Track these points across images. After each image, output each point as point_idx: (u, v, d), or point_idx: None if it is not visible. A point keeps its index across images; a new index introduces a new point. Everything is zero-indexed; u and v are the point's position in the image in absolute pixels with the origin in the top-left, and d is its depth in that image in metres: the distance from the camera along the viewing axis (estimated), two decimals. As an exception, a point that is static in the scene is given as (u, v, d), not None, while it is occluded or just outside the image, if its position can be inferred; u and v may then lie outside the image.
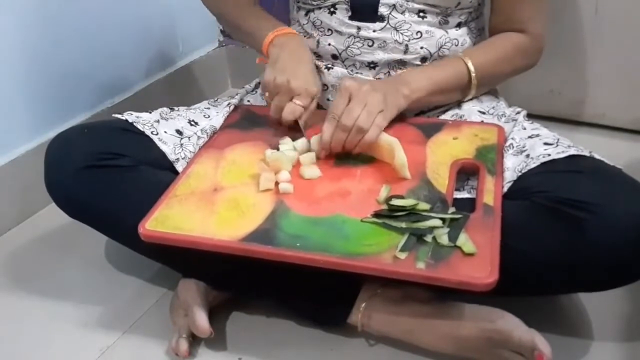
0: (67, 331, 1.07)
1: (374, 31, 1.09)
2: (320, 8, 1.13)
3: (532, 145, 1.01)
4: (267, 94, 1.09)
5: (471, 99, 1.14)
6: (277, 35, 1.11)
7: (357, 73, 1.12)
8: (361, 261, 0.85)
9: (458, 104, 1.14)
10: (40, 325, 1.09)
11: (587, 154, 0.98)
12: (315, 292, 1.01)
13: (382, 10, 1.08)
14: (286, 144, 1.05)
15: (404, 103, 1.06)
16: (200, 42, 1.76)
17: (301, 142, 1.05)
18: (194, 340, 1.01)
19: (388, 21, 1.09)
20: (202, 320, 0.98)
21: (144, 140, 1.05)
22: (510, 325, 0.92)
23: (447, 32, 1.11)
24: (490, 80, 1.14)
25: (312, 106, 1.07)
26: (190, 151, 1.07)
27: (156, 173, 1.03)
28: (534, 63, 1.17)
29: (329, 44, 1.12)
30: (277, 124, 1.10)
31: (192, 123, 1.12)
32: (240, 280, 1.04)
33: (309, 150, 1.04)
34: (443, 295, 0.96)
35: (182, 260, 1.04)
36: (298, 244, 0.88)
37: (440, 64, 1.10)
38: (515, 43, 1.13)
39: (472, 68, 1.09)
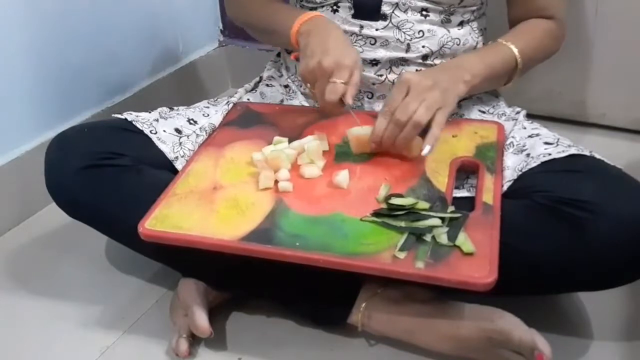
0: (67, 331, 1.07)
1: (377, 30, 1.09)
2: (322, 6, 1.13)
3: (533, 145, 1.01)
4: (308, 85, 1.04)
5: (471, 97, 1.14)
6: (301, 23, 1.07)
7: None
8: (360, 260, 0.85)
9: (458, 103, 1.14)
10: (40, 325, 1.08)
11: (587, 153, 0.98)
12: (315, 292, 1.00)
13: (385, 9, 1.08)
14: (276, 143, 1.04)
15: (464, 90, 1.03)
16: (200, 42, 1.76)
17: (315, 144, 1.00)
18: (194, 340, 1.01)
19: (390, 20, 1.08)
20: (202, 320, 0.98)
21: (144, 140, 1.05)
22: (510, 325, 0.91)
23: (449, 31, 1.10)
24: (529, 66, 1.13)
25: (354, 80, 0.99)
26: (189, 149, 1.07)
27: (156, 172, 1.03)
28: (558, 49, 1.17)
29: None
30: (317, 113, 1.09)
31: (191, 122, 1.11)
32: (240, 280, 1.03)
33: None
34: (443, 295, 0.96)
35: (181, 260, 1.04)
36: (297, 244, 0.88)
37: (489, 49, 1.10)
38: (547, 29, 1.13)
39: (517, 53, 1.08)
